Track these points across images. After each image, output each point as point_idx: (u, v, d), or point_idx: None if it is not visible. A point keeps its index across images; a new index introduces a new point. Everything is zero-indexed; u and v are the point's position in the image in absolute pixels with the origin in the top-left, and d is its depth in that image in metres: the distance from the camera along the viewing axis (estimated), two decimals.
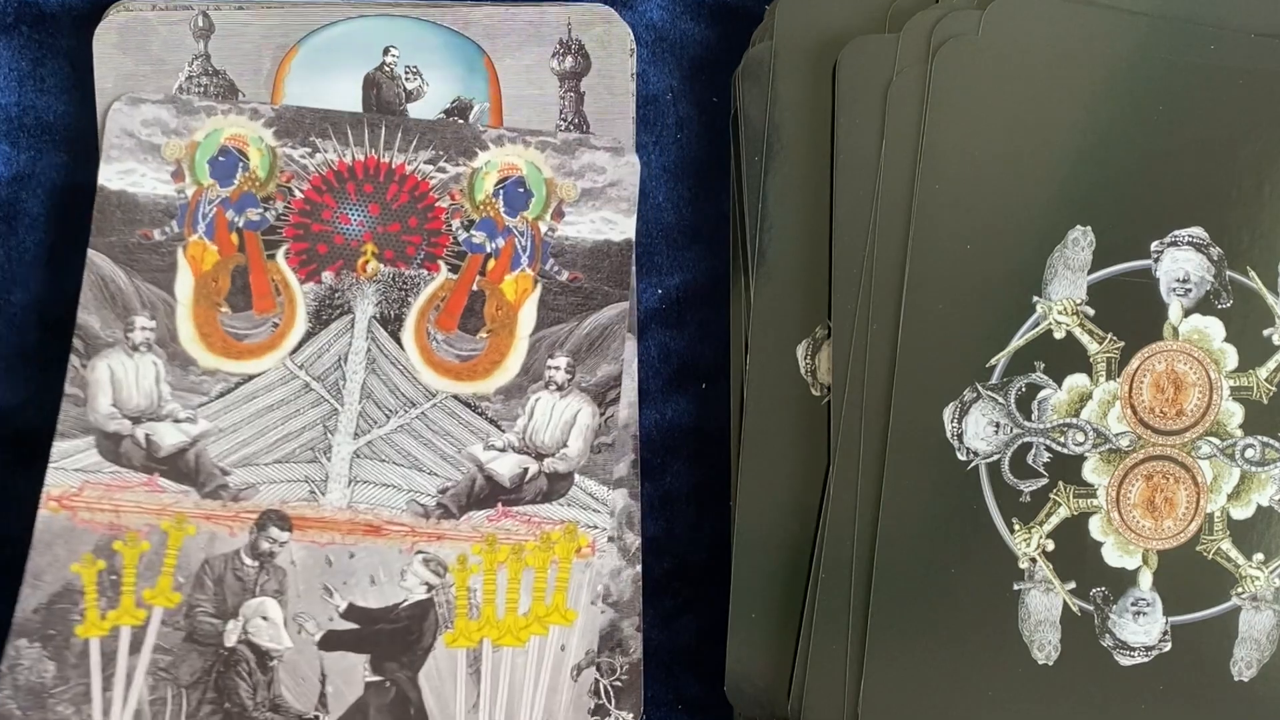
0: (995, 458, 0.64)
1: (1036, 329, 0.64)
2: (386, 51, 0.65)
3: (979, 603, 0.64)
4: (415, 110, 0.65)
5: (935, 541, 0.64)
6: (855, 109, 0.63)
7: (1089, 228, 0.64)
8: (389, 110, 0.65)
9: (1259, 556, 0.65)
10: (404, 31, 0.65)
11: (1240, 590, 0.65)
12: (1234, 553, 0.65)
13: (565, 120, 0.66)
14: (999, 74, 0.63)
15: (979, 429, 0.64)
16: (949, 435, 0.64)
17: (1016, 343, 0.64)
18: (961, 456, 0.64)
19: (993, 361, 0.64)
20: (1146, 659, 0.65)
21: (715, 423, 0.67)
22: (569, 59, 0.65)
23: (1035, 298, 0.64)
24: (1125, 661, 0.65)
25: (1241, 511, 0.65)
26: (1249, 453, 0.65)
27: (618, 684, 0.67)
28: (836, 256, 0.63)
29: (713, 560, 0.68)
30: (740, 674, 0.65)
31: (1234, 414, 0.65)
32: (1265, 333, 0.65)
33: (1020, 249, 0.64)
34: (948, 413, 0.64)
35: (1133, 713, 0.65)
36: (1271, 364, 0.65)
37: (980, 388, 0.64)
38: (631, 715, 0.67)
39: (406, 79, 0.65)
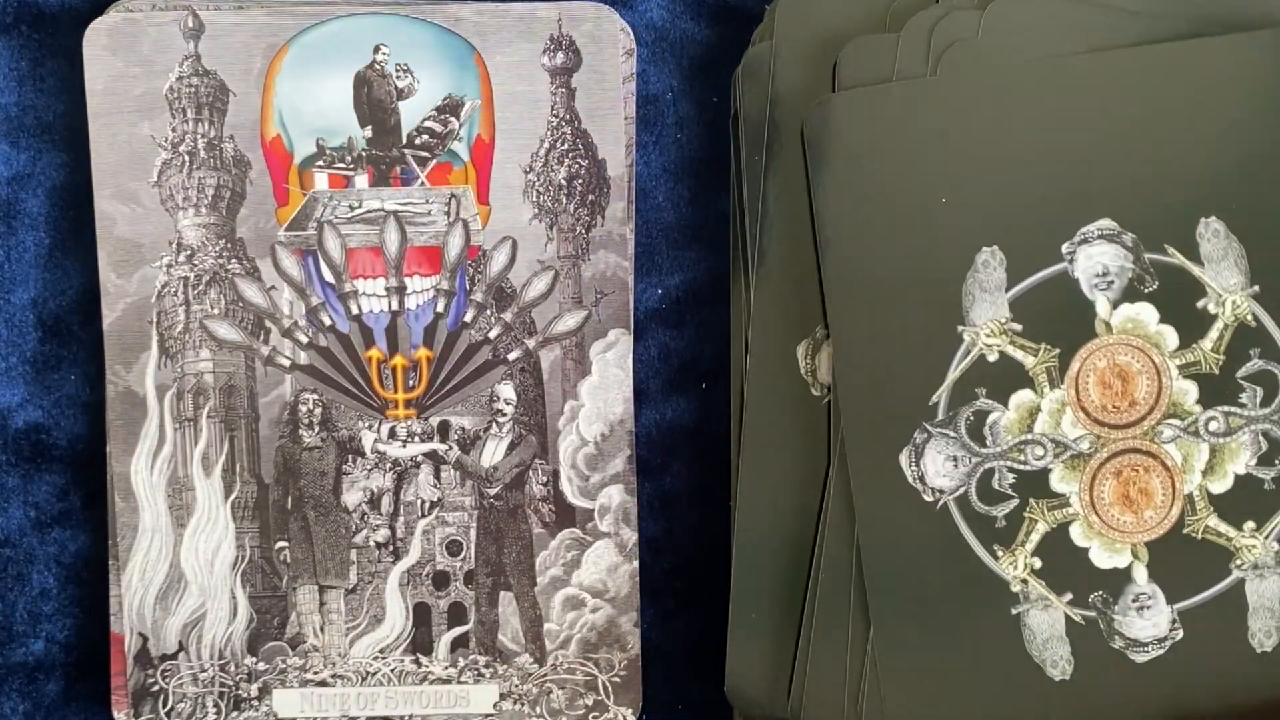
0: (961, 490, 0.64)
1: (969, 357, 0.63)
2: (377, 49, 0.65)
3: (981, 633, 0.64)
4: (406, 108, 0.65)
5: (924, 583, 0.63)
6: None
7: (995, 247, 0.63)
8: (380, 109, 0.65)
9: (1250, 525, 0.64)
10: (394, 29, 0.65)
11: (1239, 562, 0.64)
12: (1223, 526, 0.64)
13: (557, 116, 0.66)
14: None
15: (938, 467, 0.63)
16: (910, 480, 0.63)
17: (953, 374, 0.63)
18: (928, 498, 0.63)
19: (935, 399, 0.63)
20: (1162, 651, 0.64)
21: (715, 423, 0.67)
22: (560, 55, 0.65)
23: (960, 326, 0.63)
24: (1141, 659, 0.64)
25: (1220, 485, 0.64)
26: (1212, 425, 0.64)
27: (616, 680, 0.67)
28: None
29: (713, 560, 0.67)
30: (740, 674, 0.65)
31: (1188, 391, 0.64)
32: (1199, 304, 0.63)
33: (935, 281, 0.63)
34: (904, 458, 0.63)
35: (1161, 705, 0.64)
36: (1214, 333, 0.63)
37: (929, 426, 0.63)
38: (630, 711, 0.67)
39: (397, 77, 0.65)
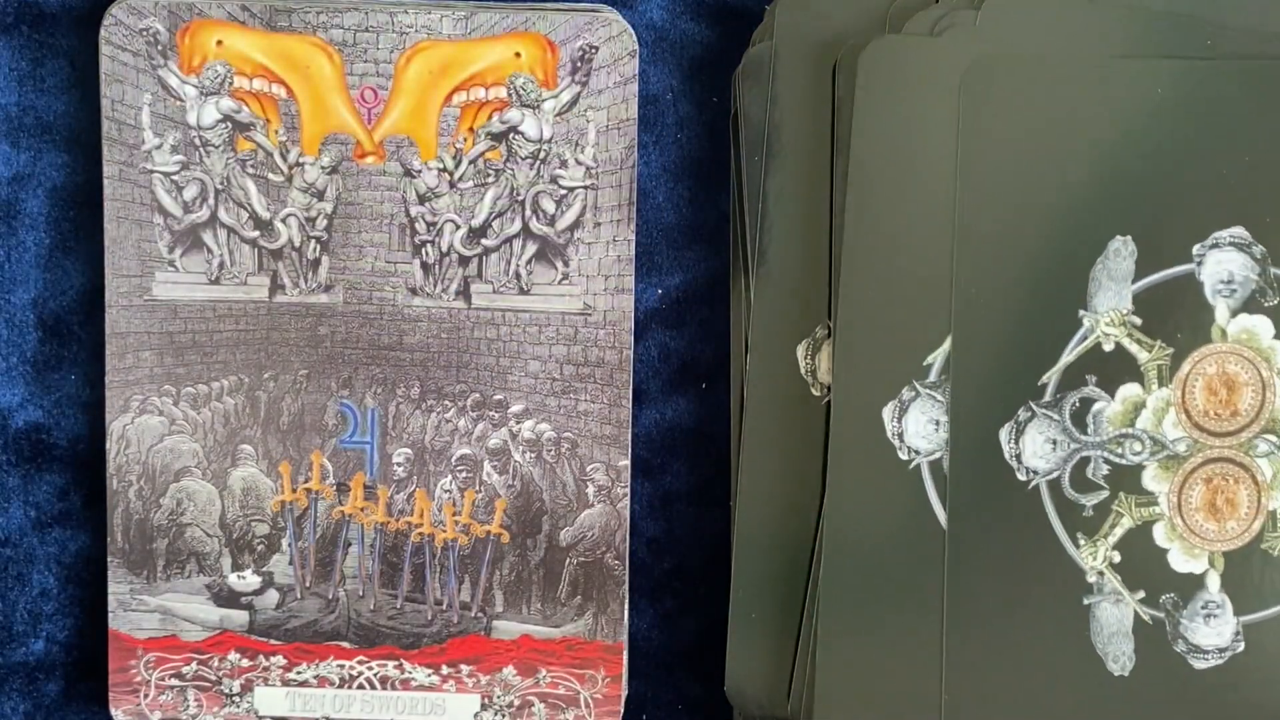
0: (1055, 474, 0.64)
1: (1085, 343, 0.64)
2: None
3: (1049, 619, 0.64)
4: None
5: (1002, 562, 0.64)
6: (855, 109, 0.63)
7: (1129, 237, 0.63)
8: None
9: None
10: None
11: None
12: None
13: None
14: (1029, 82, 0.63)
15: (1037, 447, 0.64)
16: (1007, 456, 0.64)
17: (1067, 358, 0.64)
18: (1022, 476, 0.64)
19: (1045, 379, 0.64)
20: (1221, 660, 0.65)
21: (715, 423, 0.67)
22: None
23: (1081, 311, 0.63)
24: (1200, 665, 0.65)
25: None
26: None
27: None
28: (841, 257, 0.63)
29: (713, 560, 0.67)
30: (740, 674, 0.65)
31: None
32: None
33: (1062, 264, 0.64)
34: (1004, 434, 0.64)
35: (1213, 715, 0.65)
36: None
37: (1035, 406, 0.64)
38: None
39: None
